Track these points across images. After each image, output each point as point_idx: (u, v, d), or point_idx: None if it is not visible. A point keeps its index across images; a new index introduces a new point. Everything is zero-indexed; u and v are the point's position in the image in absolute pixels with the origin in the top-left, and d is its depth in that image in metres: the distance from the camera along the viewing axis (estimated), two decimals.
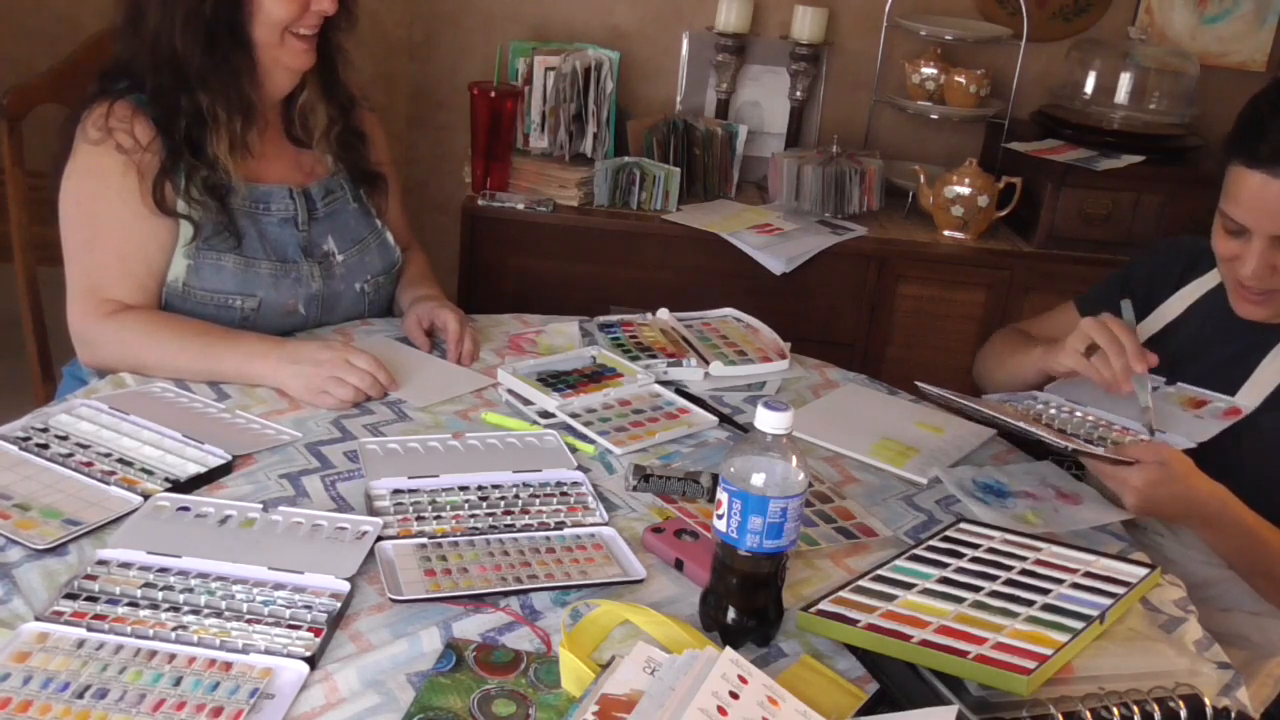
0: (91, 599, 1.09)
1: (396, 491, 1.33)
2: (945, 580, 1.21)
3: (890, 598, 1.17)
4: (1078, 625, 1.11)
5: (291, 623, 1.08)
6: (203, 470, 1.33)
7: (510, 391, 1.62)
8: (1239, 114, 1.49)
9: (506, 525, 1.28)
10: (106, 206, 1.60)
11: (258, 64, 1.65)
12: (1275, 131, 1.39)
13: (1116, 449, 1.42)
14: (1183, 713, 1.03)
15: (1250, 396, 1.53)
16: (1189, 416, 1.52)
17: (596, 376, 1.67)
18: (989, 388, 1.85)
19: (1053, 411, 1.59)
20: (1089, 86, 2.84)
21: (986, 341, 1.91)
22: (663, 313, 1.92)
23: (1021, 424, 1.46)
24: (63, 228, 1.63)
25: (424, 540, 1.24)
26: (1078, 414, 1.59)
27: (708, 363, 1.74)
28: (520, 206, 2.59)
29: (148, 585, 1.12)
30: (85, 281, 1.61)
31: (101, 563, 1.15)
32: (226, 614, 1.09)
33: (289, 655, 1.03)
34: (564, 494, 1.36)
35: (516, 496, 1.35)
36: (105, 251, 1.61)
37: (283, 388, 1.54)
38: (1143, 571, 1.25)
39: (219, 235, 1.64)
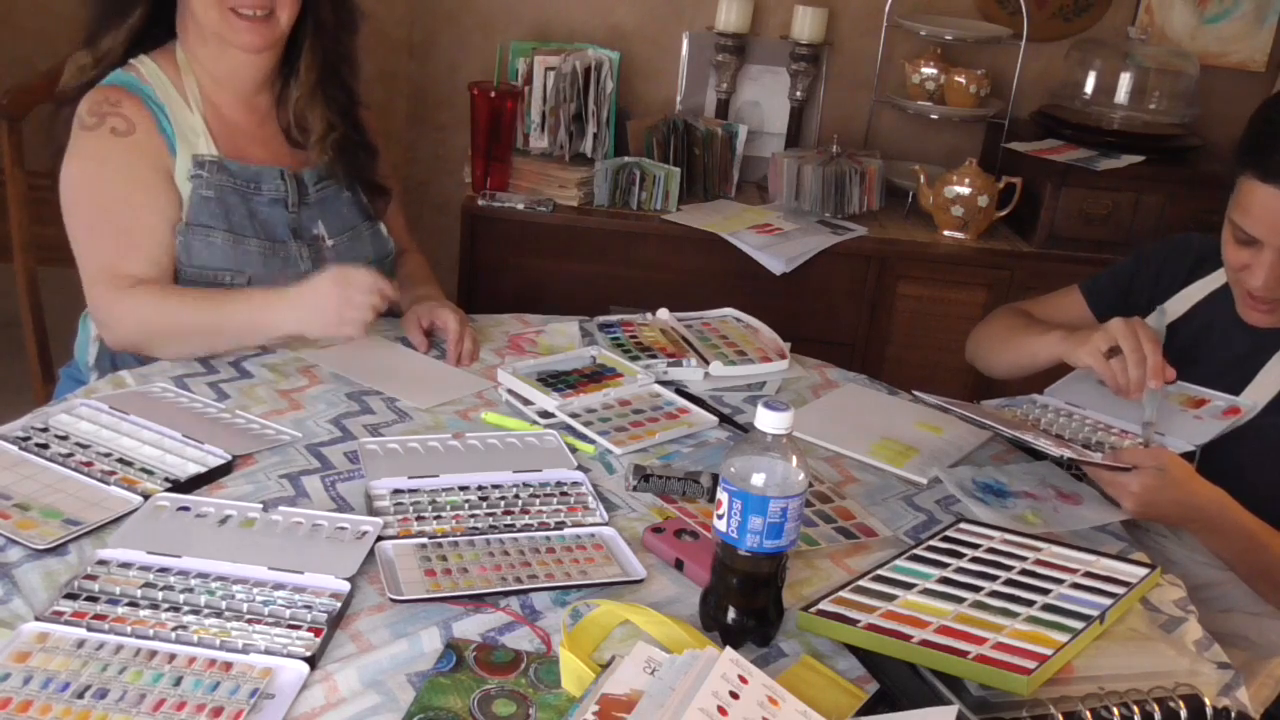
0: (91, 599, 1.09)
1: (396, 491, 1.33)
2: (945, 580, 1.21)
3: (890, 598, 1.17)
4: (1078, 625, 1.11)
5: (291, 623, 1.08)
6: (203, 470, 1.33)
7: (510, 391, 1.62)
8: (1249, 122, 1.48)
9: (506, 525, 1.28)
10: (106, 186, 1.62)
11: (191, 45, 1.68)
12: None
13: (1114, 454, 1.42)
14: (1183, 713, 1.03)
15: (1254, 399, 1.52)
16: (1188, 417, 1.52)
17: (596, 376, 1.67)
18: (989, 368, 1.83)
19: (1050, 415, 1.59)
20: (1089, 86, 2.84)
21: (984, 321, 1.89)
22: (663, 313, 1.92)
23: (1018, 433, 1.45)
24: (66, 216, 1.65)
25: (424, 540, 1.24)
26: (1076, 417, 1.59)
27: (708, 363, 1.74)
28: (520, 206, 2.59)
29: (148, 585, 1.12)
30: (97, 262, 1.63)
31: (101, 563, 1.15)
32: (226, 614, 1.09)
33: (289, 655, 1.03)
34: (564, 494, 1.36)
35: (516, 496, 1.35)
36: (111, 229, 1.62)
37: (302, 332, 1.57)
38: (1143, 571, 1.25)
39: (205, 208, 1.65)
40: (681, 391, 1.66)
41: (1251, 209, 1.43)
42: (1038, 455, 1.55)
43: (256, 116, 1.75)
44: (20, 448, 1.34)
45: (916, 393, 1.56)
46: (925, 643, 1.07)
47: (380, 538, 1.22)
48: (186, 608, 1.09)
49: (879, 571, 1.24)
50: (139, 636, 1.05)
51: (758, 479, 1.06)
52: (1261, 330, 1.54)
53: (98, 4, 1.67)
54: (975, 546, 1.30)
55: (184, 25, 1.68)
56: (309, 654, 1.04)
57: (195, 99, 1.68)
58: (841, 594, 1.18)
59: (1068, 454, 1.40)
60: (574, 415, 1.55)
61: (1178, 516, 1.43)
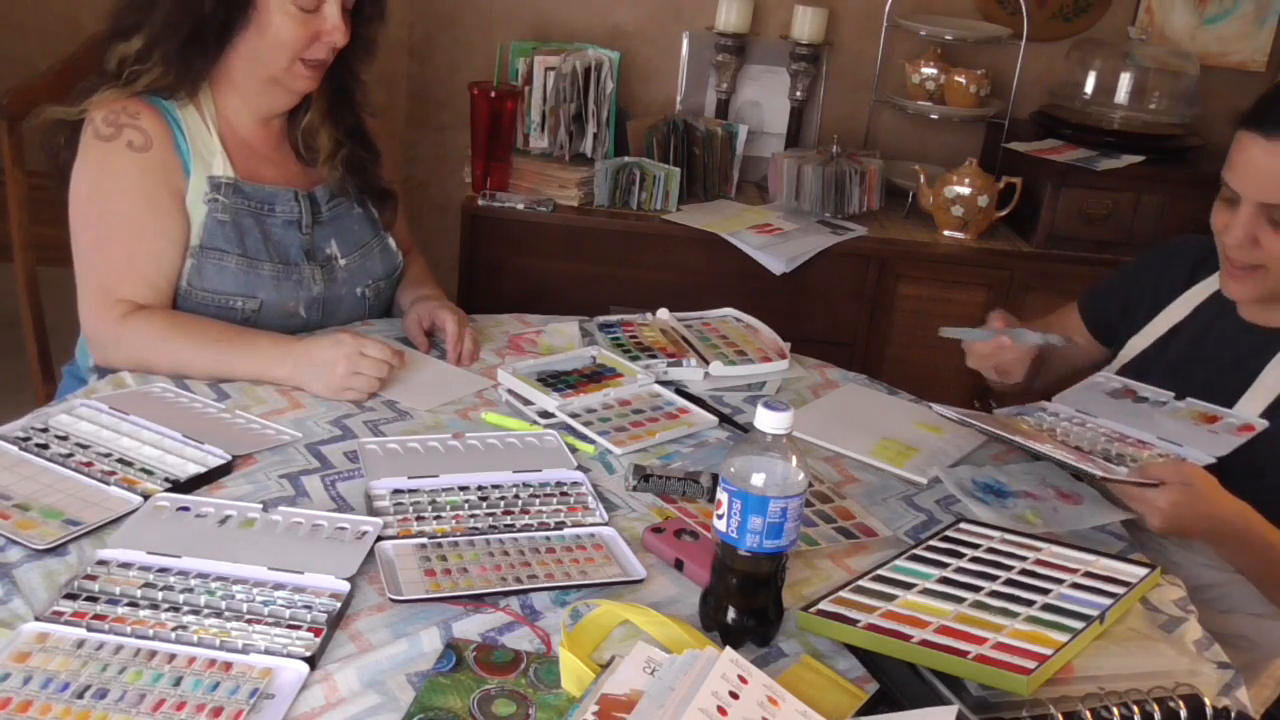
0: (91, 599, 1.09)
1: (396, 491, 1.33)
2: (945, 580, 1.21)
3: (890, 598, 1.17)
4: (1078, 625, 1.11)
5: (291, 623, 1.08)
6: (203, 470, 1.33)
7: (510, 391, 1.62)
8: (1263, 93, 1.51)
9: (506, 525, 1.28)
10: (116, 205, 1.60)
11: (234, 75, 1.65)
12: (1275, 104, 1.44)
13: (1140, 470, 1.38)
14: (1183, 713, 1.03)
15: (1253, 403, 1.52)
16: (1203, 431, 1.50)
17: (596, 376, 1.67)
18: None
19: (1064, 425, 1.57)
20: (1089, 86, 2.84)
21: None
22: (663, 313, 1.92)
23: (1040, 447, 1.42)
24: (72, 226, 1.63)
25: (424, 540, 1.24)
26: (1089, 426, 1.56)
27: (708, 363, 1.74)
28: (520, 206, 2.59)
29: (148, 585, 1.12)
30: (97, 281, 1.61)
31: (101, 563, 1.15)
32: (226, 614, 1.09)
33: (289, 655, 1.03)
34: (564, 494, 1.36)
35: (516, 496, 1.35)
36: (116, 251, 1.60)
37: (306, 389, 1.55)
38: (1143, 571, 1.25)
39: (220, 232, 1.64)
40: (681, 391, 1.66)
41: (1237, 162, 1.46)
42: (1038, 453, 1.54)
43: (272, 138, 1.74)
44: (20, 448, 1.34)
45: (935, 406, 1.53)
46: (925, 643, 1.07)
47: (380, 538, 1.22)
48: (186, 608, 1.09)
49: (879, 571, 1.24)
50: (139, 636, 1.05)
51: (758, 479, 1.06)
52: (1260, 333, 1.54)
53: (172, 49, 1.59)
54: (975, 546, 1.30)
55: (225, 64, 1.65)
56: (309, 654, 1.04)
57: (212, 116, 1.67)
58: (841, 594, 1.18)
59: (1096, 471, 1.36)
60: (574, 415, 1.55)
61: (1203, 531, 1.40)
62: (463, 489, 1.35)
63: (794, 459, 1.07)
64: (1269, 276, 1.48)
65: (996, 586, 1.20)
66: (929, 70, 2.85)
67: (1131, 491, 1.38)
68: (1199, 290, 1.65)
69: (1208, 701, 1.04)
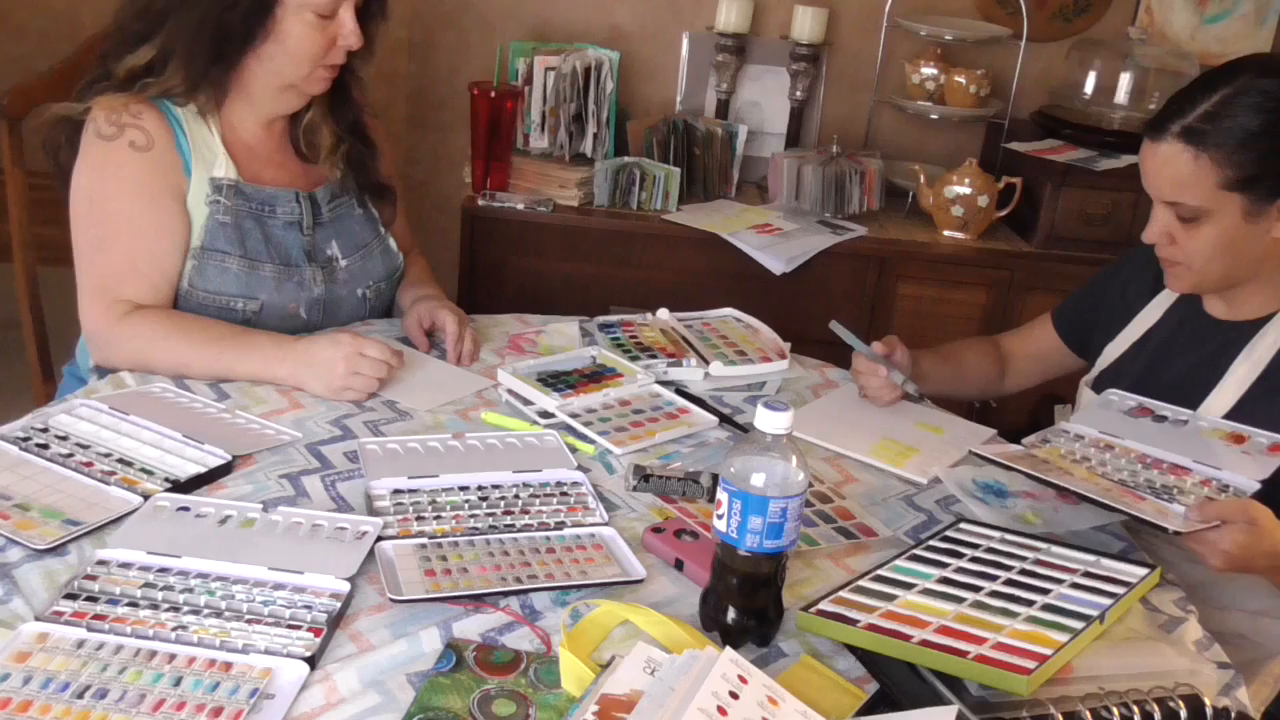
0: (91, 599, 1.09)
1: (396, 491, 1.33)
2: (945, 580, 1.21)
3: (890, 598, 1.17)
4: (1078, 625, 1.11)
5: (291, 623, 1.08)
6: (203, 470, 1.33)
7: (510, 391, 1.62)
8: None
9: (506, 525, 1.29)
10: (118, 205, 1.60)
11: (249, 82, 1.65)
12: (1163, 108, 1.48)
13: (1198, 510, 1.31)
14: (1183, 713, 1.03)
15: (1223, 398, 1.52)
16: (1236, 453, 1.46)
17: (596, 376, 1.67)
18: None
19: (1092, 451, 1.49)
20: (1089, 86, 2.84)
21: (958, 342, 1.90)
22: (663, 313, 1.92)
23: (1099, 497, 1.34)
24: (73, 225, 1.63)
25: (424, 540, 1.24)
26: (1116, 449, 1.50)
27: (708, 363, 1.74)
28: (520, 206, 2.59)
29: (148, 585, 1.12)
30: (97, 282, 1.61)
31: (101, 563, 1.15)
32: (226, 614, 1.09)
33: (289, 655, 1.03)
34: (564, 494, 1.36)
35: (516, 496, 1.35)
36: (116, 251, 1.60)
37: (305, 389, 1.55)
38: (1143, 571, 1.25)
39: (222, 233, 1.64)
40: (681, 391, 1.66)
41: (1140, 169, 1.51)
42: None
43: (274, 139, 1.73)
44: (20, 448, 1.34)
45: (974, 450, 1.48)
46: (925, 643, 1.07)
47: (380, 538, 1.22)
48: (186, 608, 1.09)
49: (879, 571, 1.24)
50: (139, 636, 1.05)
51: (758, 479, 1.06)
52: (1228, 329, 1.55)
53: (194, 63, 1.59)
54: (975, 546, 1.30)
55: (238, 73, 1.64)
56: (309, 654, 1.04)
57: (214, 118, 1.67)
58: (841, 594, 1.18)
59: (1171, 528, 1.28)
60: (574, 415, 1.55)
61: (1265, 567, 1.34)
62: (463, 489, 1.35)
63: (794, 459, 1.07)
64: (1191, 271, 1.51)
65: (996, 586, 1.20)
66: (929, 70, 2.85)
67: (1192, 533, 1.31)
68: (1169, 293, 1.65)
69: (1208, 701, 1.04)
